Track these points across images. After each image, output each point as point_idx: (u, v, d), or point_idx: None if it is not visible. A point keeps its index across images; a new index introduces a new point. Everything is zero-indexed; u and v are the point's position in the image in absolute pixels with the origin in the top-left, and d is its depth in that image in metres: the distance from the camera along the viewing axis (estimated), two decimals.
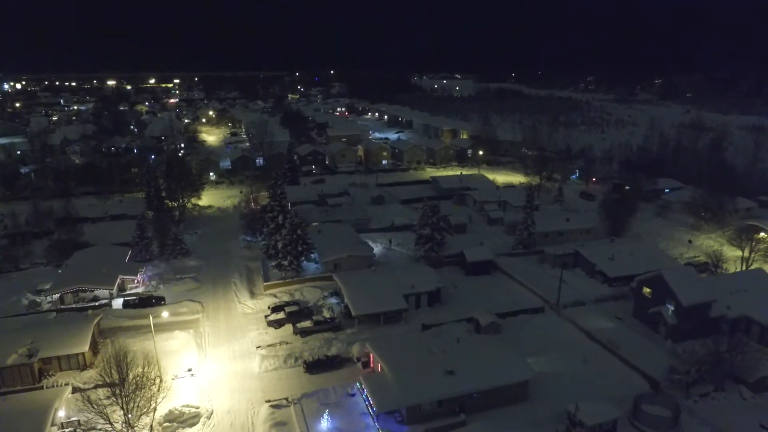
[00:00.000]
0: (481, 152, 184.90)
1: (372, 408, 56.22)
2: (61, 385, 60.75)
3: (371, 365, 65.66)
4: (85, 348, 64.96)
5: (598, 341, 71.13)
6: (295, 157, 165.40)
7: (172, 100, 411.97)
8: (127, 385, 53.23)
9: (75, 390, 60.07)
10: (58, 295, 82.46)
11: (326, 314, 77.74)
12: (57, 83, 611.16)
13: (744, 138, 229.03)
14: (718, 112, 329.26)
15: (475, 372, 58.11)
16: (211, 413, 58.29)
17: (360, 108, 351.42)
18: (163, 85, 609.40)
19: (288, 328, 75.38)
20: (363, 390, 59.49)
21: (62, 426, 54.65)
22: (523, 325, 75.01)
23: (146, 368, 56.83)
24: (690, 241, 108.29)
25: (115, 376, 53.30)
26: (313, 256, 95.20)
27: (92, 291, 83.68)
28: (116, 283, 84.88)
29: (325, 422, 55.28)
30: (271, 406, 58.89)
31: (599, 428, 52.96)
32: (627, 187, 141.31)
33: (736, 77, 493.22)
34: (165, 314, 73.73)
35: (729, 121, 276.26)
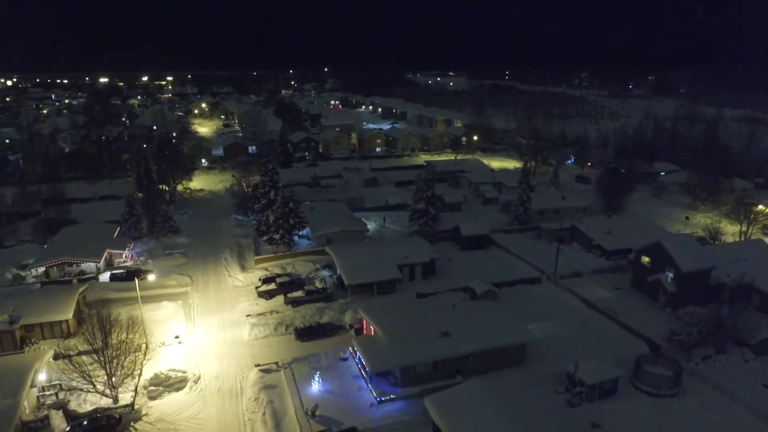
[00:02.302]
0: (475, 137, 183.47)
1: (365, 370, 54.53)
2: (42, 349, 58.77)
3: (364, 332, 63.86)
4: (69, 315, 62.92)
5: (596, 308, 69.73)
6: (288, 146, 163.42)
7: (165, 95, 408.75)
8: (110, 347, 51.52)
9: (57, 356, 57.97)
10: (43, 269, 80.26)
11: (318, 285, 75.95)
12: (48, 81, 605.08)
13: (739, 128, 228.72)
14: (711, 106, 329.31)
15: (471, 334, 56.46)
16: (199, 378, 56.41)
17: (354, 101, 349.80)
18: (156, 83, 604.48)
19: (279, 299, 73.49)
20: (356, 354, 57.80)
21: (43, 389, 52.66)
22: (519, 294, 73.52)
23: (131, 332, 55.24)
24: (687, 218, 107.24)
25: (99, 336, 51.63)
26: (304, 232, 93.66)
27: (78, 265, 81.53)
28: (103, 257, 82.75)
29: (316, 384, 53.52)
30: (261, 370, 57.08)
31: (599, 387, 51.44)
32: (623, 171, 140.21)
33: (728, 73, 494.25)
34: (151, 277, 71.84)
35: (722, 114, 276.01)
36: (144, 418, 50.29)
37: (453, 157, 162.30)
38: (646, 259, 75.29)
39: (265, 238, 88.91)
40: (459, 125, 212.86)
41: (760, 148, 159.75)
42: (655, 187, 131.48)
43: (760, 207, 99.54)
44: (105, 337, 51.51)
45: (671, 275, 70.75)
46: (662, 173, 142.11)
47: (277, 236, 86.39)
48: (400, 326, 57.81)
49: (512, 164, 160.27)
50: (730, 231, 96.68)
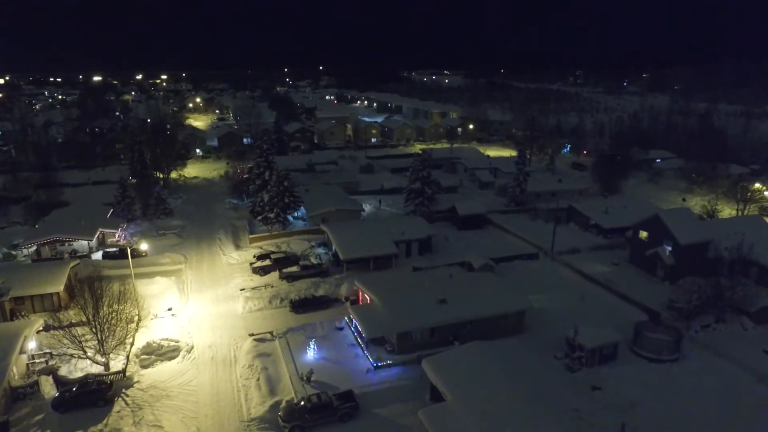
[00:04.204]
0: (471, 126, 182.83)
1: (361, 337, 53.77)
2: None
3: (360, 303, 63.05)
4: (60, 287, 61.85)
5: (594, 281, 69.20)
6: (284, 136, 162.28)
7: (159, 93, 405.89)
8: (101, 313, 50.55)
9: (48, 327, 56.81)
10: (34, 248, 79.06)
11: (313, 261, 75.09)
12: (41, 79, 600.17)
13: (734, 120, 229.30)
14: (706, 102, 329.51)
15: (469, 302, 55.72)
16: (192, 348, 55.42)
17: (349, 96, 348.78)
18: (151, 81, 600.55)
19: (274, 275, 72.58)
20: (351, 323, 57.11)
21: (33, 357, 51.67)
22: (517, 269, 72.91)
23: (122, 303, 54.14)
24: (684, 200, 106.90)
25: (89, 302, 50.70)
26: (299, 214, 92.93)
27: (70, 243, 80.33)
28: (96, 236, 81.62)
29: (311, 352, 52.72)
30: (255, 339, 56.21)
31: (599, 352, 50.78)
32: (618, 158, 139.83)
33: (722, 70, 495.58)
34: (144, 246, 70.89)
35: (718, 109, 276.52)
36: (136, 385, 49.29)
37: (448, 146, 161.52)
38: (644, 234, 74.83)
39: (259, 218, 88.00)
40: (454, 116, 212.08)
41: (756, 136, 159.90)
42: (651, 173, 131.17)
43: (757, 185, 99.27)
44: (96, 303, 50.55)
45: (669, 248, 70.29)
46: (658, 160, 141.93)
47: (271, 215, 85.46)
48: (397, 295, 57.09)
49: (508, 153, 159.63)
50: (727, 212, 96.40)
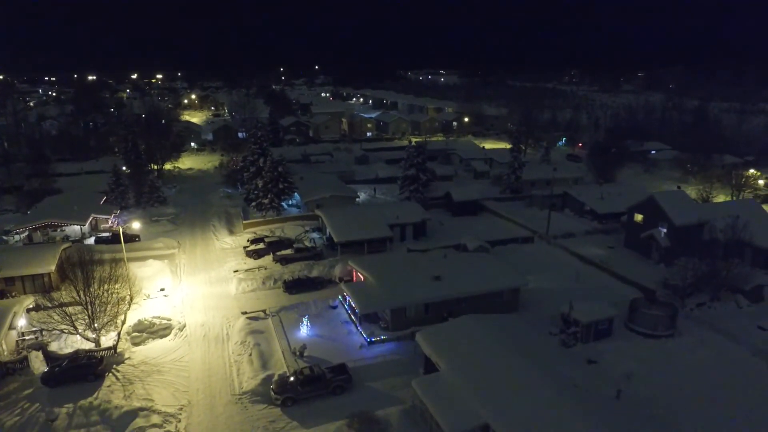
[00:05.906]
0: (466, 119, 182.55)
1: (354, 314, 53.38)
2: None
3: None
4: (51, 268, 61.28)
5: (590, 262, 68.98)
6: (279, 131, 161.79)
7: (154, 92, 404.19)
8: (92, 289, 50.04)
9: (39, 307, 56.25)
10: (26, 233, 78.40)
11: (307, 244, 74.67)
12: (36, 78, 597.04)
13: (728, 116, 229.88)
14: (700, 100, 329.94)
15: (463, 279, 55.41)
16: (184, 326, 54.93)
17: (345, 94, 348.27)
18: (146, 80, 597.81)
19: (267, 258, 72.15)
20: (345, 301, 56.70)
21: (23, 334, 51.10)
22: (512, 252, 72.63)
23: (114, 282, 53.58)
24: (678, 187, 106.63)
25: (80, 278, 50.21)
26: (294, 201, 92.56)
27: (63, 229, 79.71)
28: (88, 221, 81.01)
29: (304, 329, 52.31)
30: (248, 317, 55.77)
31: (594, 327, 50.50)
32: (613, 150, 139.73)
33: (716, 68, 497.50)
34: (136, 225, 70.53)
35: (712, 106, 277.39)
36: (127, 362, 48.82)
37: (443, 138, 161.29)
38: (639, 217, 74.68)
39: (253, 204, 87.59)
40: (450, 111, 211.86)
41: (750, 128, 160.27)
42: (646, 164, 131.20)
43: (751, 171, 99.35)
44: (87, 279, 50.05)
45: (664, 230, 70.15)
46: (653, 151, 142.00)
47: (266, 201, 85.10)
48: (391, 272, 56.74)
49: (504, 146, 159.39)
50: (721, 198, 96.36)
